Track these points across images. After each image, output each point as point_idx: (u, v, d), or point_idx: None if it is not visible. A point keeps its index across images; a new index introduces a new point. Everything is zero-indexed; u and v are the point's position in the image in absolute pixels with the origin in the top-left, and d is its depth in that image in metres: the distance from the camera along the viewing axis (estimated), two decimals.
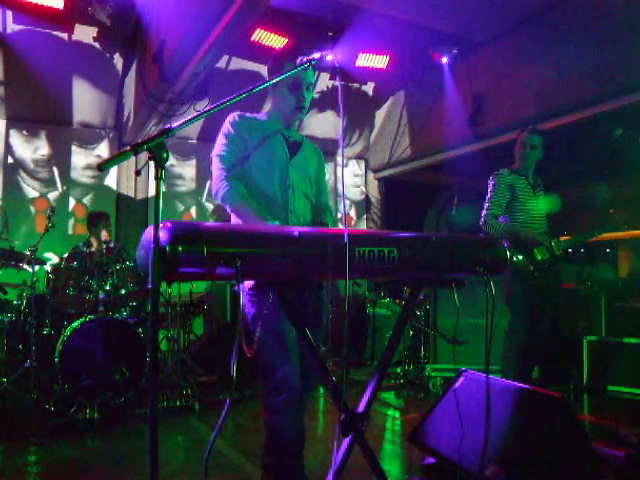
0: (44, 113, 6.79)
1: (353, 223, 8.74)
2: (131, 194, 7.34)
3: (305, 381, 2.37)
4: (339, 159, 2.28)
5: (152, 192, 7.11)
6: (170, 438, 3.87)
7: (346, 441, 2.10)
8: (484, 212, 4.10)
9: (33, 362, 4.57)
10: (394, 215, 8.90)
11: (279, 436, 2.29)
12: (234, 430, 4.00)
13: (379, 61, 6.99)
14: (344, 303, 1.85)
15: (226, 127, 2.51)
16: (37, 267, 4.84)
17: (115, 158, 1.56)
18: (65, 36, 6.46)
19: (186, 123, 1.69)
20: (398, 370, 5.87)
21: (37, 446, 3.65)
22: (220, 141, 2.50)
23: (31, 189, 6.79)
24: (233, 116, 2.53)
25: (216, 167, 2.46)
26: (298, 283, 1.84)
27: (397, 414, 4.82)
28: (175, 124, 1.65)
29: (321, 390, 5.04)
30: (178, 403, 4.60)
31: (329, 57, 2.30)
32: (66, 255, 5.02)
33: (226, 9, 4.43)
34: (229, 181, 2.39)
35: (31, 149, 6.81)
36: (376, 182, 9.13)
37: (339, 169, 2.42)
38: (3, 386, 4.47)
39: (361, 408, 2.15)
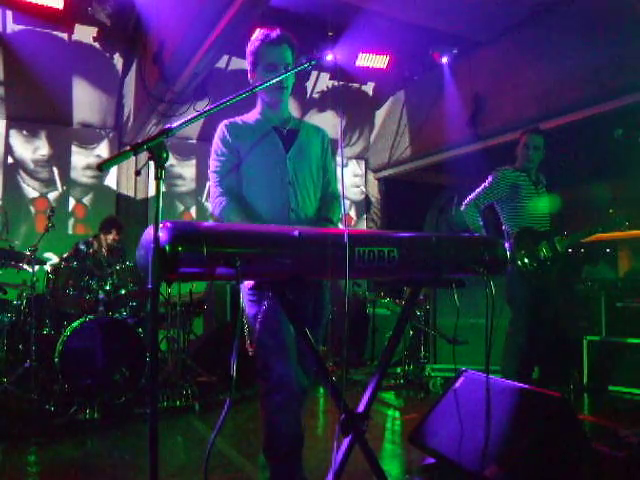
0: (44, 113, 6.79)
1: (353, 223, 8.74)
2: (131, 194, 7.34)
3: (306, 380, 2.37)
4: (339, 159, 2.28)
5: (152, 192, 7.13)
6: (170, 438, 3.87)
7: (346, 441, 2.10)
8: (471, 196, 4.09)
9: (33, 362, 4.57)
10: (394, 215, 8.90)
11: (276, 435, 2.29)
12: (234, 430, 4.00)
13: (379, 61, 7.00)
14: (344, 303, 1.84)
15: (216, 143, 2.49)
16: (37, 267, 4.84)
17: (115, 158, 1.56)
18: (65, 36, 6.46)
19: (186, 123, 1.69)
20: (398, 370, 5.86)
21: (37, 446, 3.65)
22: (212, 157, 2.49)
23: (31, 189, 6.79)
24: (221, 129, 2.50)
25: (211, 184, 2.46)
26: (298, 283, 1.84)
27: (397, 414, 4.81)
28: (175, 124, 1.65)
29: (321, 390, 5.04)
30: (178, 403, 4.60)
31: (329, 57, 2.30)
32: (66, 255, 5.02)
33: (226, 9, 4.43)
34: (224, 197, 2.38)
35: (31, 149, 6.81)
36: (376, 182, 9.13)
37: (339, 169, 2.42)
38: (3, 386, 4.47)
39: (361, 408, 2.15)
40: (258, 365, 2.28)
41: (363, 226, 8.88)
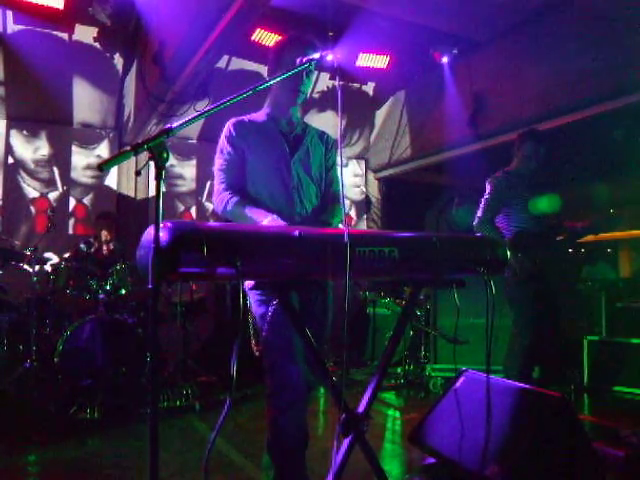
0: (44, 113, 6.79)
1: (353, 223, 8.74)
2: (131, 194, 7.34)
3: (313, 379, 2.38)
4: (339, 159, 2.30)
5: (152, 192, 7.12)
6: (171, 438, 3.87)
7: (346, 441, 2.10)
8: (478, 214, 4.08)
9: (33, 362, 4.57)
10: (394, 215, 8.90)
11: (282, 435, 2.29)
12: (235, 430, 4.00)
13: (379, 61, 6.99)
14: (344, 303, 1.84)
15: (222, 141, 2.48)
16: (37, 267, 4.85)
17: (115, 158, 1.56)
18: (65, 36, 6.45)
19: (186, 123, 1.69)
20: (398, 370, 5.87)
21: (37, 446, 3.65)
22: (218, 155, 2.48)
23: (31, 189, 6.79)
24: (228, 127, 2.49)
25: (216, 181, 2.46)
26: (299, 283, 1.84)
27: (397, 414, 4.82)
28: (175, 124, 1.65)
29: (321, 390, 5.04)
30: (178, 403, 4.60)
31: (329, 57, 2.29)
32: (67, 255, 5.03)
33: (226, 9, 4.43)
34: (228, 193, 2.38)
35: (31, 149, 6.81)
36: (376, 182, 9.13)
37: (339, 169, 2.45)
38: (3, 386, 4.47)
39: (361, 408, 2.15)
40: (265, 364, 2.28)
41: (363, 226, 8.88)
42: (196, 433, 4.05)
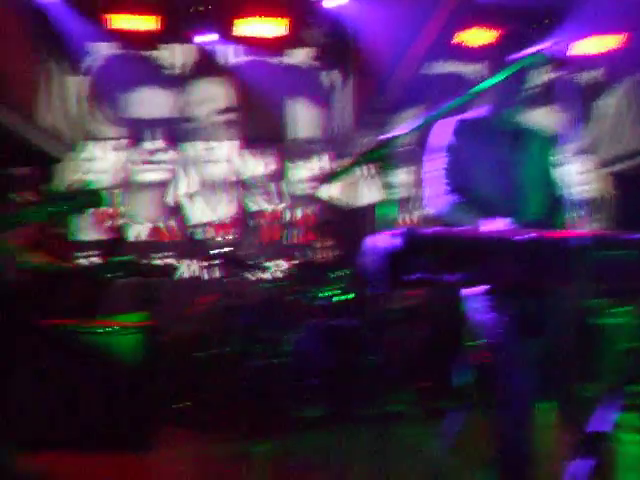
0: (266, 132, 7.44)
1: (583, 225, 8.07)
2: (350, 202, 7.63)
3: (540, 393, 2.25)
4: (562, 157, 2.16)
5: (371, 199, 7.32)
6: (388, 444, 3.89)
7: (582, 464, 1.93)
8: None
9: (263, 361, 4.96)
10: (630, 214, 8.02)
11: (508, 450, 2.20)
12: (456, 440, 3.90)
13: (606, 44, 6.37)
14: (573, 312, 1.72)
15: (448, 137, 2.44)
16: (264, 274, 5.28)
17: (341, 171, 1.64)
18: (282, 59, 7.10)
19: (409, 132, 1.69)
20: (639, 388, 5.24)
21: (266, 438, 3.98)
22: (438, 155, 2.46)
23: (257, 203, 7.44)
24: (454, 124, 2.45)
25: (437, 182, 2.43)
26: (529, 290, 1.74)
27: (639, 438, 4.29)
28: (395, 133, 1.66)
29: (550, 404, 4.70)
30: (399, 408, 4.61)
31: (549, 48, 2.17)
32: (289, 262, 5.42)
33: (435, 15, 4.40)
34: (454, 195, 2.34)
35: (256, 166, 7.47)
36: (606, 178, 8.33)
37: (564, 168, 2.31)
38: (239, 384, 4.92)
39: (600, 428, 1.96)
40: (493, 374, 2.21)
41: (594, 227, 8.14)
42: (416, 440, 4.02)
